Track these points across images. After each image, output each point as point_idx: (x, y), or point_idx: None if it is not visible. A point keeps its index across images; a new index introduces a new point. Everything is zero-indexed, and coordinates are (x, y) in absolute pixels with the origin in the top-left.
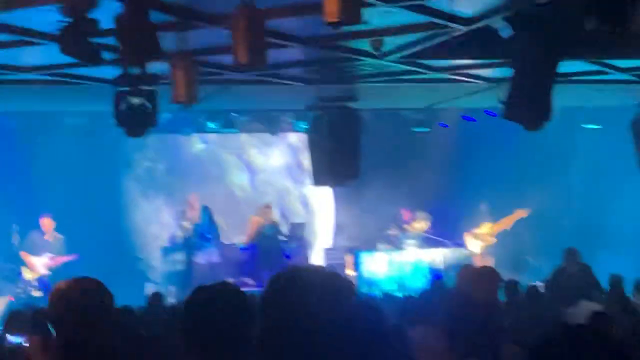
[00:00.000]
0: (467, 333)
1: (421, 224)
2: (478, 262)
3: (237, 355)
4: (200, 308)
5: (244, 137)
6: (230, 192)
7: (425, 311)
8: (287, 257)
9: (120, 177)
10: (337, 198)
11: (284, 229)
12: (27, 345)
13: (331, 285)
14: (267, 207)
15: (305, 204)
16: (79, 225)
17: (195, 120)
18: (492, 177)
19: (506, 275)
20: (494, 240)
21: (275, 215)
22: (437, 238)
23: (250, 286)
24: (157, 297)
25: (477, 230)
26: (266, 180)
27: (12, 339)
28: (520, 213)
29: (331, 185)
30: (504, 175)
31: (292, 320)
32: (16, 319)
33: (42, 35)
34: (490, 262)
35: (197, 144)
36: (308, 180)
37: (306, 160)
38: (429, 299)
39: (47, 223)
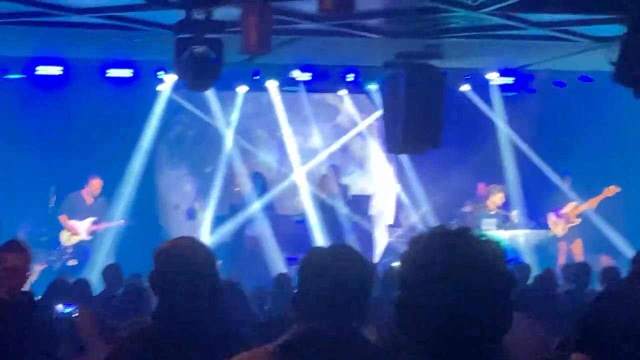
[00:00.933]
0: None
1: (497, 198)
2: (563, 246)
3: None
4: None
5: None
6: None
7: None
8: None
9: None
10: (402, 170)
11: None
12: (78, 316)
13: None
14: (325, 177)
15: (364, 176)
16: (116, 188)
17: (248, 76)
18: (579, 150)
19: (594, 260)
20: (578, 220)
21: (334, 186)
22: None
23: None
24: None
25: (562, 210)
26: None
27: (60, 308)
28: (611, 190)
29: (408, 153)
30: (593, 148)
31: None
32: (60, 288)
33: None
34: (578, 245)
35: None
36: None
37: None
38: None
39: (95, 184)
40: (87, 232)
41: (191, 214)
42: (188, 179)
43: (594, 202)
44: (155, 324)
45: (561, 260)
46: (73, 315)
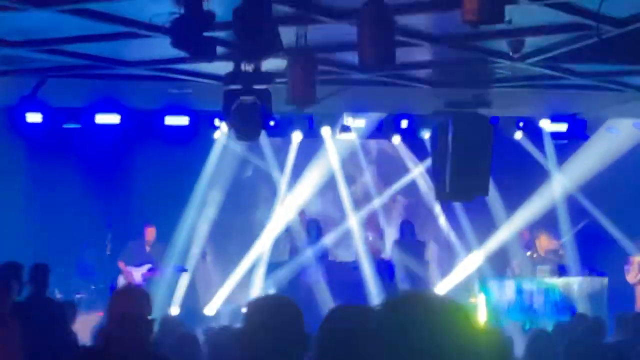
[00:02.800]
0: None
1: (543, 241)
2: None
3: None
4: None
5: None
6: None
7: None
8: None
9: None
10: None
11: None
12: None
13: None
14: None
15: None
16: (172, 236)
17: (303, 123)
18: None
19: None
20: None
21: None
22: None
23: None
24: None
25: (638, 257)
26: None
27: None
28: None
29: (456, 201)
30: None
31: None
32: None
33: (152, 28)
34: None
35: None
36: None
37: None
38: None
39: (150, 232)
40: (142, 277)
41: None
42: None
43: None
44: None
45: (639, 308)
46: None
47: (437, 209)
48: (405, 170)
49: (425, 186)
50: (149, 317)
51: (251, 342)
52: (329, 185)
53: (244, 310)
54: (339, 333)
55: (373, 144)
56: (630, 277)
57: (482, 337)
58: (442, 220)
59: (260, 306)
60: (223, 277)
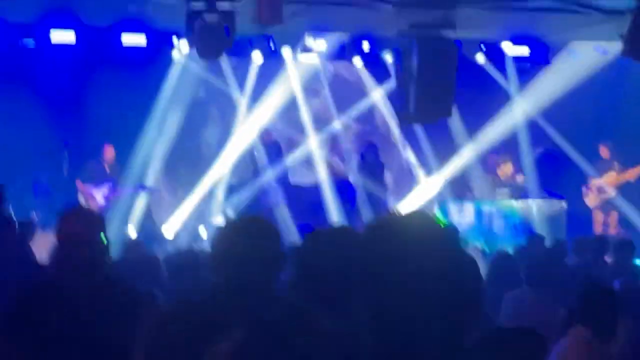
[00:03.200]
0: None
1: (507, 168)
2: (598, 218)
3: None
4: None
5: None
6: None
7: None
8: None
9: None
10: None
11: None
12: None
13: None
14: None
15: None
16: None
17: (263, 44)
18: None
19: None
20: (613, 193)
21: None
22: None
23: None
24: None
25: (598, 181)
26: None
27: None
28: None
29: (420, 123)
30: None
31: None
32: None
33: None
34: (614, 218)
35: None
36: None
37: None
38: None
39: (109, 151)
40: (103, 198)
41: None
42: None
43: (632, 173)
44: None
45: (597, 231)
46: None
47: (396, 133)
48: (361, 94)
49: (385, 110)
50: (101, 239)
51: (226, 263)
52: (290, 107)
53: (217, 228)
54: (320, 256)
55: (330, 67)
56: (589, 201)
57: (465, 257)
58: (402, 145)
59: (237, 226)
60: (180, 199)
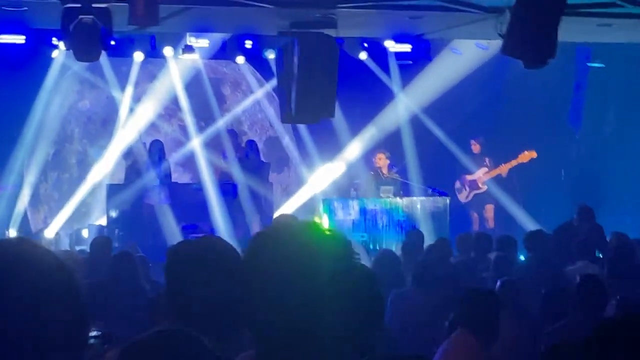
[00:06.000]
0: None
1: (379, 160)
2: (474, 215)
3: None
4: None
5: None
6: None
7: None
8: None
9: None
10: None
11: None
12: None
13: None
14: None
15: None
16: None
17: (142, 43)
18: (484, 118)
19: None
20: (484, 188)
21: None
22: (414, 184)
23: (204, 232)
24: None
25: (470, 176)
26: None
27: None
28: (525, 156)
29: (302, 122)
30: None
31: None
32: None
33: None
34: (490, 212)
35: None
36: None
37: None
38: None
39: None
40: None
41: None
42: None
43: (504, 168)
44: None
45: (474, 227)
46: None
47: (281, 130)
48: (245, 93)
49: (270, 108)
50: None
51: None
52: (172, 107)
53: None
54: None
55: (213, 65)
56: (462, 197)
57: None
58: (287, 142)
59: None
60: (62, 199)
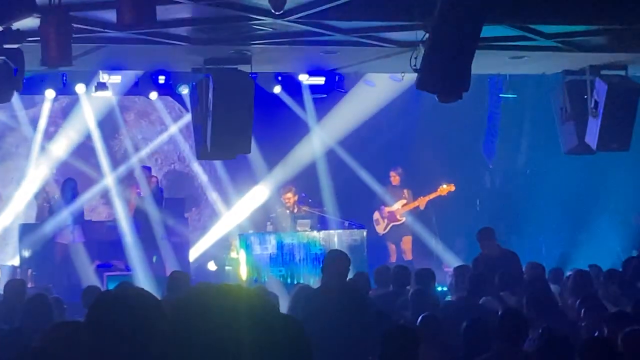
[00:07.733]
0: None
1: (286, 196)
2: (392, 247)
3: None
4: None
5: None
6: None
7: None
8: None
9: None
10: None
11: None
12: None
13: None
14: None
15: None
16: None
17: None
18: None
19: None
20: (402, 219)
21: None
22: (332, 217)
23: (120, 270)
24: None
25: (388, 208)
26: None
27: None
28: (444, 190)
29: (219, 159)
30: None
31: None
32: None
33: None
34: (407, 244)
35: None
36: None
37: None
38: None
39: None
40: None
41: None
42: None
43: (422, 201)
44: None
45: (392, 260)
46: None
47: (196, 166)
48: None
49: (184, 144)
50: None
51: None
52: (85, 143)
53: None
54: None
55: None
56: (380, 229)
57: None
58: (203, 178)
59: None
60: None
